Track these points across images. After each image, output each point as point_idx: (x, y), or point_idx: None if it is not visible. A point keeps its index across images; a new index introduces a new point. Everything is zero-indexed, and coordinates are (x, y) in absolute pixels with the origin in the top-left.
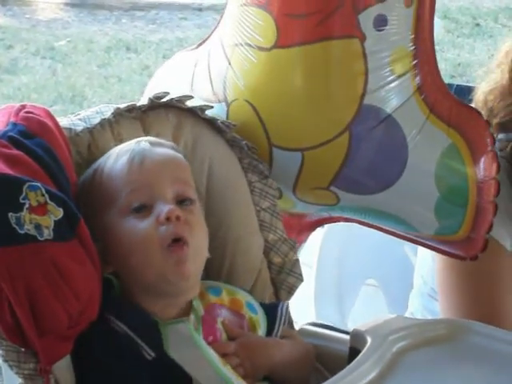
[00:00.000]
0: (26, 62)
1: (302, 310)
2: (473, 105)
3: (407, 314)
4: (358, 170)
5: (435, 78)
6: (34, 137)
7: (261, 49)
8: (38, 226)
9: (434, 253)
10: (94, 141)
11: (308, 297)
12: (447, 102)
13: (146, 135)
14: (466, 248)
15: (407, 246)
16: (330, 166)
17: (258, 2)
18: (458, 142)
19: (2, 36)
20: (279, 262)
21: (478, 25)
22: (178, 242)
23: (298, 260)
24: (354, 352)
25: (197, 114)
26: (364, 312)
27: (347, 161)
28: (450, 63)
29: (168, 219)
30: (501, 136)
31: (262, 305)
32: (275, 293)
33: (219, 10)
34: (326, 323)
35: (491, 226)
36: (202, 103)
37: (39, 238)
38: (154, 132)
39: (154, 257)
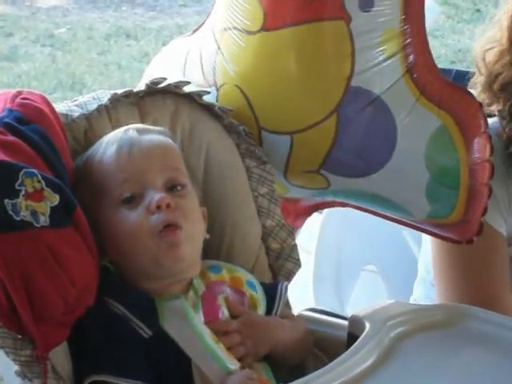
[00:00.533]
0: (26, 49)
1: (301, 295)
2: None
3: (411, 301)
4: (347, 153)
5: (426, 59)
6: (30, 123)
7: (248, 32)
8: (34, 213)
9: (431, 239)
10: (90, 127)
11: (306, 283)
12: (438, 83)
13: (143, 121)
14: (461, 231)
15: (406, 232)
16: (318, 149)
17: None
18: (449, 124)
19: (1, 23)
20: (277, 247)
21: (478, 10)
22: (170, 226)
23: (296, 245)
24: (352, 337)
25: (194, 99)
26: (363, 298)
27: (336, 143)
28: (450, 49)
29: (158, 207)
30: (495, 120)
31: (262, 284)
32: (273, 278)
33: None
34: (324, 309)
35: (486, 209)
36: (198, 89)
37: (35, 224)
38: (151, 118)
39: (146, 245)
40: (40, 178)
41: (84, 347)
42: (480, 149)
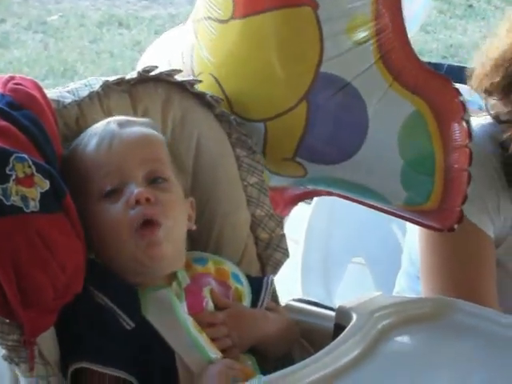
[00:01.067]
0: (18, 36)
1: (288, 286)
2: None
3: (394, 293)
4: (319, 139)
5: (403, 45)
6: (21, 108)
7: (220, 21)
8: (24, 198)
9: (419, 232)
10: (82, 114)
11: (294, 273)
12: (415, 69)
13: (135, 109)
14: (441, 219)
15: (395, 224)
16: (291, 136)
17: None
18: (423, 110)
19: None
20: (266, 237)
21: (470, 6)
22: (148, 224)
23: (284, 235)
24: (338, 328)
25: (186, 88)
26: (350, 290)
27: (307, 130)
28: (442, 44)
29: (137, 202)
30: (490, 121)
31: (248, 277)
32: (261, 268)
33: None
34: (311, 299)
35: (466, 196)
36: (190, 78)
37: (25, 209)
38: (143, 105)
39: (125, 241)
40: (31, 163)
41: (69, 335)
42: (457, 135)
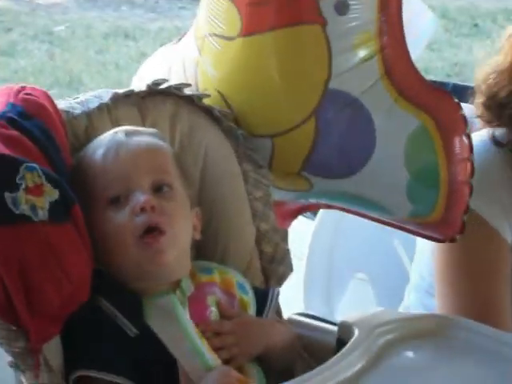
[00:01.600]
0: (25, 45)
1: (291, 301)
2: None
3: (402, 308)
4: (327, 155)
5: (405, 61)
6: (32, 118)
7: (227, 38)
8: (33, 207)
9: (433, 249)
10: (91, 125)
11: (297, 288)
12: (417, 84)
13: (143, 121)
14: (443, 230)
15: (396, 240)
16: (299, 152)
17: None
18: (428, 124)
19: (1, 18)
20: (270, 251)
21: (476, 25)
22: (153, 231)
23: (288, 250)
24: (341, 343)
25: (194, 101)
26: (352, 306)
27: (315, 146)
28: (447, 62)
29: (142, 209)
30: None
31: (254, 288)
32: (265, 282)
33: None
34: (314, 314)
35: (467, 208)
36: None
37: (34, 218)
38: (151, 118)
39: (129, 247)
40: (40, 172)
41: (72, 342)
42: (459, 148)
